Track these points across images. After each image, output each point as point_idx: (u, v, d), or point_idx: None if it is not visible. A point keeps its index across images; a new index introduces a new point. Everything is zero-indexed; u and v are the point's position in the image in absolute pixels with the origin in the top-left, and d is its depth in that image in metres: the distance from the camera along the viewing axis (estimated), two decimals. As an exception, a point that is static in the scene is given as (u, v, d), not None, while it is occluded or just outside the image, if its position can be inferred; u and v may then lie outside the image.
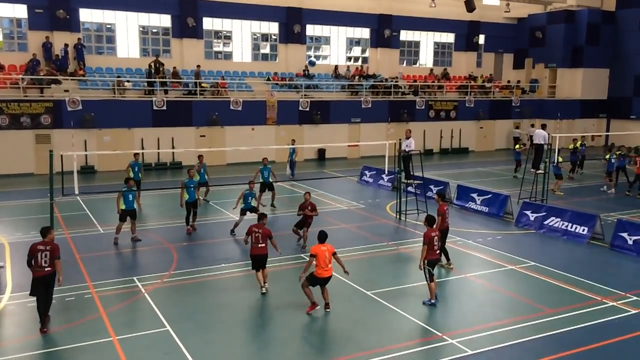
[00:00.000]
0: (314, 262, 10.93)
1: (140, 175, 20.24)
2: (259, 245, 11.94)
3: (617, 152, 24.74)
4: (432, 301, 11.52)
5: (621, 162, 24.32)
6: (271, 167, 19.83)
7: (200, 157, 20.49)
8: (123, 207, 15.72)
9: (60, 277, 10.13)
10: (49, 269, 9.94)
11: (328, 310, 11.19)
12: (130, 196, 15.92)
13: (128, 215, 15.86)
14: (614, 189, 23.97)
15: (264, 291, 12.07)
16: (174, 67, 31.22)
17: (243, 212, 16.65)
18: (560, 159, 23.93)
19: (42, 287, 9.99)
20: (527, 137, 33.14)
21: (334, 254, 11.08)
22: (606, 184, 24.46)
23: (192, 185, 16.90)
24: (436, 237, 11.61)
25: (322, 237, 11.11)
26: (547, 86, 42.20)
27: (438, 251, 11.86)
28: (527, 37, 43.15)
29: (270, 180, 19.49)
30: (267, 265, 12.28)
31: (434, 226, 11.84)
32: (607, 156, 24.77)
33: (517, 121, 39.38)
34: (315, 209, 15.28)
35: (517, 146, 28.66)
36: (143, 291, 12.22)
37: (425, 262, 11.37)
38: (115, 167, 27.98)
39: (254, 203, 16.80)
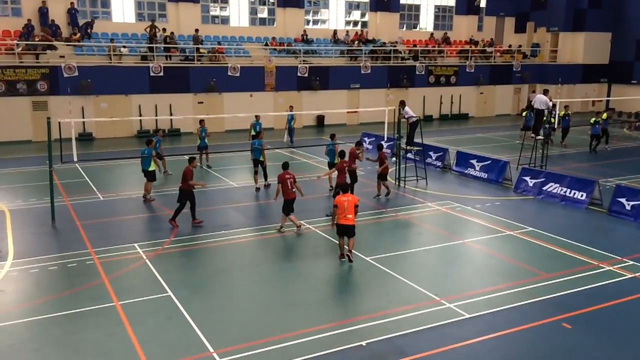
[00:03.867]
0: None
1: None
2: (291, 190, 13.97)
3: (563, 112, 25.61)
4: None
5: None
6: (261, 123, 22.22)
7: (201, 122, 21.37)
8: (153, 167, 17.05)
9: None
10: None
11: (344, 259, 12.04)
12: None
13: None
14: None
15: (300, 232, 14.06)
16: (171, 32, 30.74)
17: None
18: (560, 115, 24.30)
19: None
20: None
21: (356, 205, 11.92)
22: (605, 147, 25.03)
23: (255, 146, 18.10)
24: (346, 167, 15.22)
25: (344, 188, 12.81)
26: (548, 50, 41.69)
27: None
28: (529, 0, 42.44)
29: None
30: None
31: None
32: (592, 120, 24.92)
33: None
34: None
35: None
36: (144, 257, 12.32)
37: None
38: (113, 134, 27.90)
39: None
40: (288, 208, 14.03)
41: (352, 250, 12.05)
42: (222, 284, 11.20)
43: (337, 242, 12.26)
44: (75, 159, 15.13)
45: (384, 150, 18.20)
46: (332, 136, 19.08)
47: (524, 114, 27.73)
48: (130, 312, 9.79)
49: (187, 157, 16.27)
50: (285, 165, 14.19)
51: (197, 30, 31.01)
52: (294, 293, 10.75)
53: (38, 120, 25.54)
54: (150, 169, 16.98)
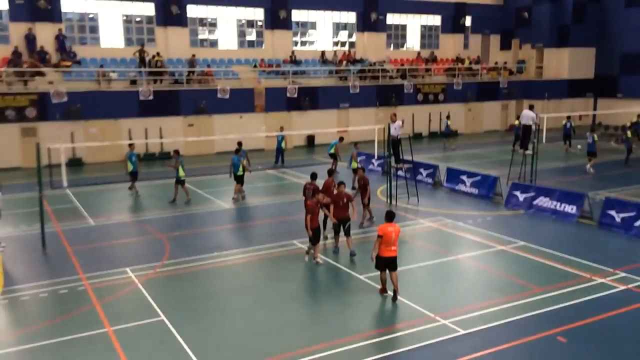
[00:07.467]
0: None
1: (137, 166, 20.01)
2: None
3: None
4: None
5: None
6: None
7: (176, 151, 19.78)
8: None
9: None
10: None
11: (386, 294, 11.09)
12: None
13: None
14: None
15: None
16: (159, 55, 30.88)
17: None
18: (596, 137, 24.07)
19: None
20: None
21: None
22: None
23: (235, 162, 19.21)
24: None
25: (390, 216, 10.99)
26: (534, 66, 42.27)
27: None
28: (513, 17, 43.15)
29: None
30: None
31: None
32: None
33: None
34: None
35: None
36: (136, 282, 12.22)
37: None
38: (103, 158, 27.81)
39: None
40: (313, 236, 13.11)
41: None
42: (215, 306, 11.11)
43: (332, 261, 12.20)
44: (65, 184, 15.05)
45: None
46: (355, 144, 21.40)
47: (449, 122, 32.57)
48: (122, 337, 9.67)
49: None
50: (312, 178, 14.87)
51: (193, 55, 31.41)
52: (288, 314, 10.68)
53: (27, 147, 25.42)
54: (239, 173, 18.98)
